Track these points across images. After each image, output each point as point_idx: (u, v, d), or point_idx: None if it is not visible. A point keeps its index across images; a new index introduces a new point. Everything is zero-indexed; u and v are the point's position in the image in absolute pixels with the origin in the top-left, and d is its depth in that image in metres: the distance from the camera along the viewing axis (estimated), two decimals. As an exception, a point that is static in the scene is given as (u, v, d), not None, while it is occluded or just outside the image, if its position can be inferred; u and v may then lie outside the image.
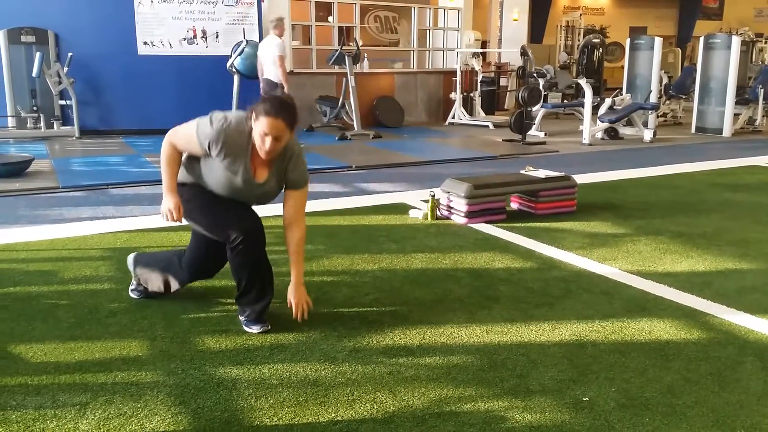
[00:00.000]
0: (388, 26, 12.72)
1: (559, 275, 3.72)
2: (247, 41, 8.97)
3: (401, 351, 2.75)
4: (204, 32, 9.73)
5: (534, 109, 10.16)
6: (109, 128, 9.42)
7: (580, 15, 18.39)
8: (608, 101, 10.09)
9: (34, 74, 8.67)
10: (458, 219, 4.87)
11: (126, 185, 6.16)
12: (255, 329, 2.88)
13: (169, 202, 2.80)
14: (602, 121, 9.90)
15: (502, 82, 14.31)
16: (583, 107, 10.00)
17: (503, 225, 4.77)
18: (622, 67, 12.05)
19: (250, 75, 8.87)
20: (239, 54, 8.81)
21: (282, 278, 3.38)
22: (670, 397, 2.40)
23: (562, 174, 5.26)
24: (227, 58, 9.04)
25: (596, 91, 11.22)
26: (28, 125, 9.07)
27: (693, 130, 11.04)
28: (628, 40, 11.60)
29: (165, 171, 2.82)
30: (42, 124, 9.03)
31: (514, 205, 5.29)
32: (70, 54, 8.96)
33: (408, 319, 3.08)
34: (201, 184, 2.89)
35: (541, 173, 5.22)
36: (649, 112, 10.51)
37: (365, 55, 11.38)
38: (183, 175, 2.91)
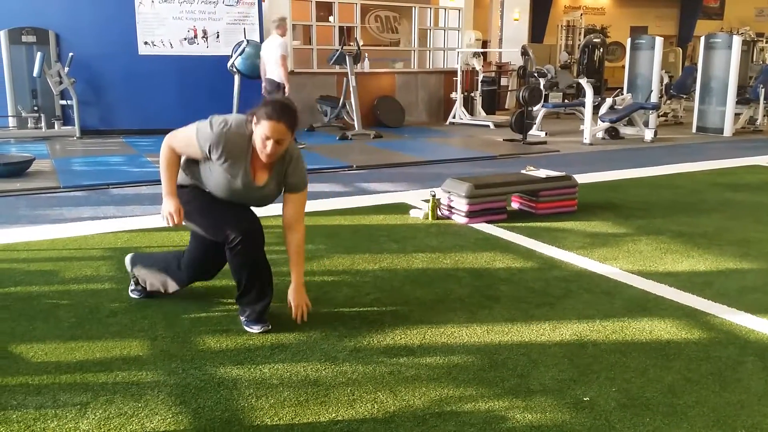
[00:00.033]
0: (388, 26, 12.72)
1: (560, 275, 3.72)
2: (247, 41, 8.97)
3: (402, 351, 2.75)
4: (205, 32, 9.74)
5: (535, 108, 10.15)
6: (109, 128, 9.42)
7: (581, 15, 18.38)
8: (609, 101, 10.09)
9: (35, 74, 8.68)
10: (459, 219, 4.87)
11: (127, 185, 6.16)
12: (256, 329, 2.89)
13: (169, 205, 2.80)
14: (603, 121, 9.89)
15: (503, 81, 14.31)
16: (583, 107, 9.99)
17: (504, 225, 4.77)
18: (623, 66, 12.05)
19: (251, 75, 8.88)
20: (240, 54, 8.81)
21: (282, 278, 3.38)
22: (670, 397, 2.40)
23: (563, 174, 5.26)
24: (228, 58, 9.05)
25: (597, 91, 11.21)
26: (28, 125, 9.08)
27: (694, 130, 11.04)
28: (628, 40, 11.60)
29: (164, 175, 2.83)
30: (43, 124, 9.03)
31: (514, 205, 5.29)
32: (70, 54, 8.97)
33: (409, 318, 3.08)
34: (200, 186, 2.90)
35: (542, 173, 5.22)
36: (650, 111, 10.51)
37: (366, 54, 11.38)
38: (182, 178, 2.92)
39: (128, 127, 9.48)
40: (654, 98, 10.74)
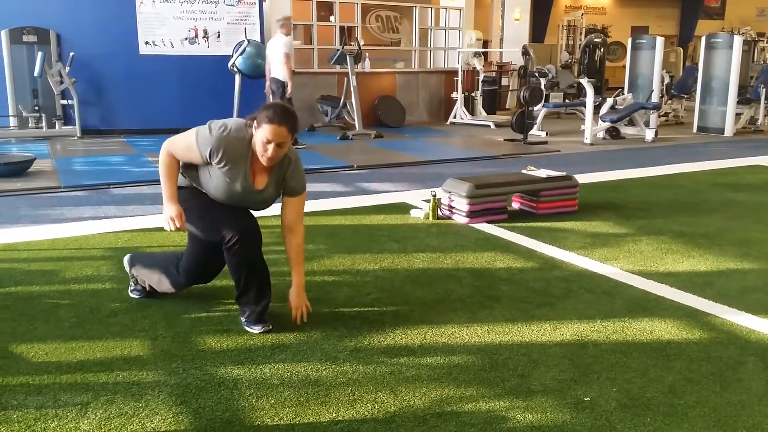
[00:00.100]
0: (389, 26, 12.71)
1: (561, 275, 3.72)
2: (248, 41, 8.97)
3: (402, 351, 2.75)
4: (205, 32, 9.74)
5: (535, 108, 10.15)
6: (110, 128, 9.42)
7: (582, 14, 18.38)
8: (610, 101, 10.08)
9: (35, 74, 8.68)
10: (459, 219, 4.86)
11: (127, 185, 6.16)
12: (256, 329, 2.89)
13: (170, 210, 2.81)
14: (604, 121, 9.89)
15: (504, 81, 14.30)
16: (584, 107, 9.99)
17: (504, 225, 4.77)
18: (624, 66, 12.04)
19: (252, 74, 8.88)
20: (241, 54, 8.82)
21: (282, 278, 3.39)
22: (671, 397, 2.40)
23: (564, 174, 5.26)
24: (229, 57, 9.05)
25: (598, 91, 11.20)
26: (29, 125, 9.09)
27: (695, 130, 11.03)
28: (629, 40, 11.59)
29: (164, 180, 2.83)
30: (44, 123, 9.04)
31: (515, 205, 5.29)
32: (71, 54, 8.97)
33: (409, 318, 3.08)
34: (198, 188, 2.91)
35: (543, 173, 5.22)
36: (651, 111, 10.50)
37: (367, 54, 11.38)
38: (180, 180, 2.93)
39: (129, 127, 9.48)
40: (655, 98, 10.73)
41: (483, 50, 13.06)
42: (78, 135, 8.95)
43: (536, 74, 11.66)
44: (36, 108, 9.16)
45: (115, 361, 2.62)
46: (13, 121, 9.10)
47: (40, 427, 2.16)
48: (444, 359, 2.68)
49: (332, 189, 6.08)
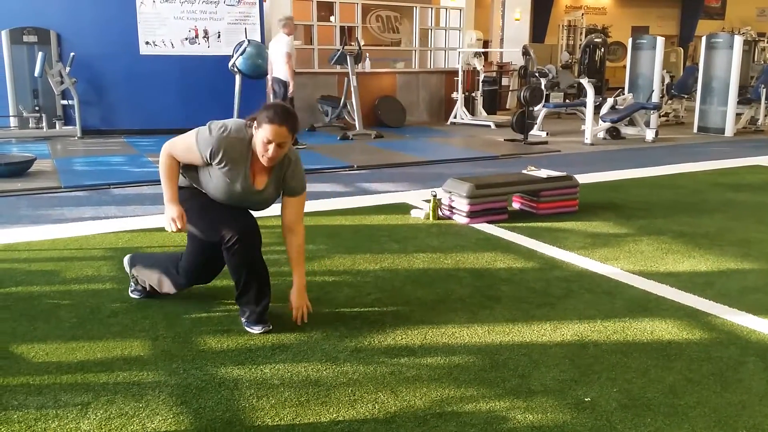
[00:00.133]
0: (389, 26, 12.71)
1: (561, 275, 3.72)
2: (248, 41, 8.97)
3: (403, 351, 2.75)
4: (206, 32, 9.74)
5: (536, 108, 10.15)
6: (111, 128, 9.42)
7: (582, 14, 18.38)
8: (610, 101, 10.08)
9: (36, 74, 8.68)
10: (460, 219, 4.86)
11: (128, 185, 6.16)
12: (256, 330, 2.89)
13: (172, 211, 2.81)
14: (604, 121, 9.89)
15: (504, 81, 14.31)
16: (584, 107, 9.99)
17: (505, 225, 4.77)
18: (624, 66, 12.04)
19: (252, 75, 8.88)
20: (241, 54, 8.81)
21: (282, 278, 3.39)
22: (672, 398, 2.40)
23: (564, 174, 5.26)
24: (229, 57, 9.04)
25: (598, 91, 11.21)
26: (30, 125, 9.09)
27: (695, 130, 11.03)
28: (630, 40, 11.59)
29: (165, 182, 2.83)
30: (44, 123, 9.04)
31: (515, 205, 5.28)
32: (72, 54, 8.97)
33: (410, 319, 3.08)
34: (198, 188, 2.91)
35: (543, 173, 5.22)
36: (651, 111, 10.50)
37: (367, 54, 11.38)
38: (180, 180, 2.92)
39: (129, 127, 9.48)
40: (655, 98, 10.73)
41: (483, 50, 13.06)
42: (78, 135, 8.95)
43: (536, 74, 11.66)
44: (36, 108, 9.16)
45: (115, 362, 2.62)
46: (13, 122, 9.10)
47: (40, 427, 2.16)
48: (444, 359, 2.68)
49: (332, 189, 6.08)
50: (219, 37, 9.77)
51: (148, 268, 3.19)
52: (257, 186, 2.84)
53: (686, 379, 2.53)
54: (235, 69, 8.91)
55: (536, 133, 10.11)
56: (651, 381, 2.52)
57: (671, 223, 4.88)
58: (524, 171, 5.40)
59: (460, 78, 11.79)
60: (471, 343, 2.83)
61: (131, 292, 3.30)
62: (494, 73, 13.81)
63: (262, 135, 2.69)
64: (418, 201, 5.43)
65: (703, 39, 10.97)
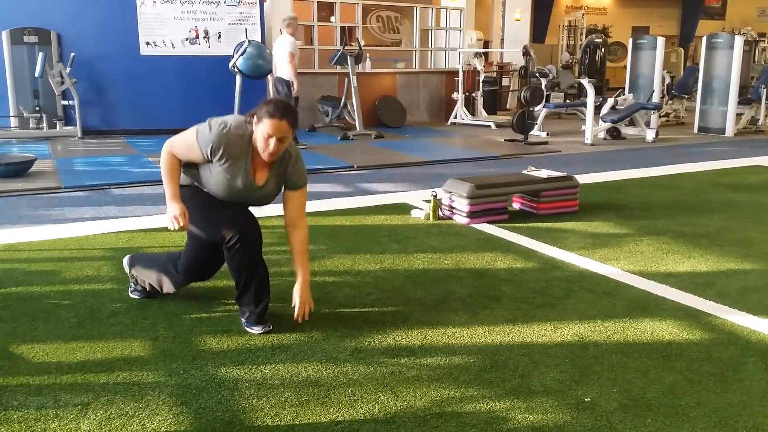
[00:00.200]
0: (390, 26, 12.72)
1: (561, 275, 3.72)
2: (249, 41, 8.97)
3: (403, 351, 2.75)
4: (206, 32, 9.74)
5: (536, 109, 10.15)
6: (111, 128, 9.42)
7: (583, 15, 18.38)
8: (610, 101, 10.08)
9: (36, 74, 8.68)
10: (460, 219, 4.86)
11: (128, 185, 6.16)
12: (256, 330, 2.89)
13: (174, 209, 2.81)
14: (604, 121, 9.88)
15: (504, 82, 14.31)
16: (585, 107, 9.99)
17: (505, 225, 4.77)
18: (625, 66, 12.04)
19: (253, 75, 8.88)
20: (241, 54, 8.82)
21: (282, 278, 3.39)
22: (672, 398, 2.40)
23: (564, 174, 5.26)
24: (230, 58, 9.05)
25: (598, 91, 11.21)
26: (30, 125, 9.09)
27: (695, 130, 11.03)
28: (630, 40, 11.59)
29: (167, 180, 2.83)
30: (44, 124, 9.04)
31: (516, 206, 5.28)
32: (72, 54, 8.97)
33: (410, 319, 3.08)
34: (199, 186, 2.91)
35: (543, 173, 5.22)
36: (652, 112, 10.50)
37: (367, 55, 11.37)
38: (181, 179, 2.92)
39: (130, 128, 9.48)
40: (655, 98, 10.73)
41: (484, 50, 13.06)
42: (79, 135, 8.95)
43: (537, 74, 11.66)
44: (37, 108, 9.16)
45: (115, 362, 2.62)
46: (14, 122, 9.10)
47: (40, 427, 2.16)
48: (444, 359, 2.68)
49: (333, 189, 6.08)
50: (219, 37, 9.77)
51: (148, 268, 3.19)
52: (258, 182, 2.84)
53: (686, 380, 2.53)
54: (236, 69, 8.91)
55: (536, 133, 10.11)
56: (651, 381, 2.52)
57: (671, 224, 4.88)
58: (524, 171, 5.40)
59: (460, 78, 11.78)
60: (471, 344, 2.83)
61: (131, 292, 3.30)
62: (494, 73, 13.82)
63: (263, 130, 2.69)
64: (419, 201, 5.43)
65: (704, 39, 10.97)
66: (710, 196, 5.94)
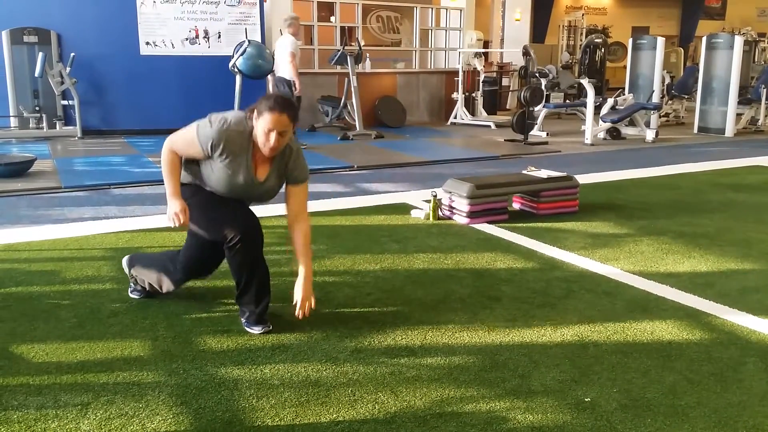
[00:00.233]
0: (390, 26, 12.72)
1: (561, 275, 3.72)
2: (249, 41, 8.97)
3: (403, 351, 2.75)
4: (206, 32, 9.74)
5: (536, 109, 10.15)
6: (111, 128, 9.42)
7: (583, 15, 18.38)
8: (610, 101, 10.08)
9: (36, 74, 8.68)
10: (460, 219, 4.86)
11: (128, 185, 6.16)
12: (256, 330, 2.88)
13: (174, 206, 2.80)
14: (604, 121, 9.88)
15: (504, 82, 14.31)
16: (585, 107, 9.99)
17: (505, 225, 4.77)
18: (625, 66, 12.04)
19: (253, 75, 8.88)
20: (241, 54, 8.81)
21: (283, 278, 3.39)
22: (672, 398, 2.40)
23: (564, 174, 5.26)
24: (229, 58, 9.03)
25: (598, 91, 11.21)
26: (30, 125, 9.08)
27: (695, 130, 11.03)
28: (630, 40, 11.59)
29: (167, 176, 2.83)
30: (44, 124, 9.04)
31: (516, 206, 5.28)
32: (72, 54, 8.97)
33: (410, 319, 3.08)
34: (200, 184, 2.90)
35: (543, 173, 5.22)
36: (652, 112, 10.50)
37: (367, 55, 11.38)
38: (182, 176, 2.92)
39: (130, 128, 9.48)
40: (655, 98, 10.73)
41: (483, 50, 13.06)
42: (79, 135, 8.95)
43: (537, 74, 11.66)
44: (37, 108, 9.15)
45: (115, 362, 2.62)
46: (13, 122, 9.10)
47: (40, 427, 2.16)
48: (444, 359, 2.68)
49: (333, 189, 6.08)
50: (219, 37, 9.78)
51: (147, 267, 3.19)
52: (259, 177, 2.83)
53: (686, 380, 2.53)
54: (236, 69, 8.90)
55: (536, 133, 10.11)
56: (651, 381, 2.52)
57: (671, 224, 4.88)
58: (524, 171, 5.40)
59: (460, 78, 11.78)
60: (471, 344, 2.83)
61: (131, 292, 3.30)
62: (494, 73, 13.82)
63: (263, 124, 2.68)
64: (419, 201, 5.43)
65: (704, 39, 10.97)
66: (710, 196, 5.94)
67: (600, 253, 4.14)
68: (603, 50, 14.04)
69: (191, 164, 2.88)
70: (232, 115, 2.80)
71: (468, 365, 2.63)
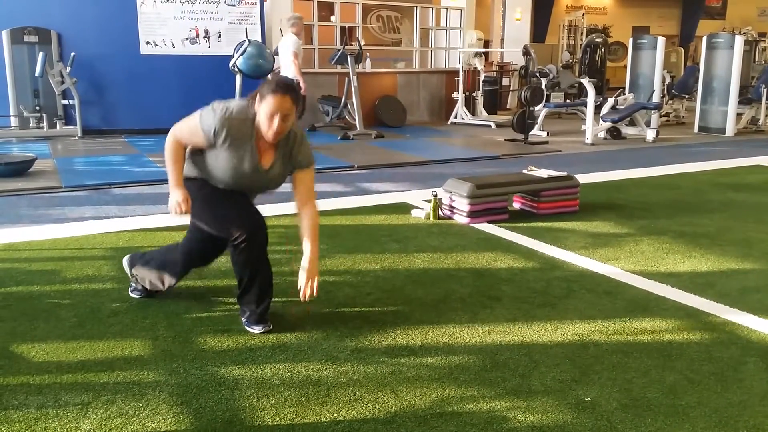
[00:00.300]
0: (390, 26, 12.72)
1: (562, 275, 3.72)
2: (249, 41, 8.97)
3: (403, 351, 2.75)
4: (206, 32, 9.74)
5: (536, 108, 10.15)
6: (111, 128, 9.42)
7: (583, 14, 18.37)
8: (611, 101, 10.08)
9: (36, 74, 8.68)
10: (460, 219, 4.86)
11: (128, 185, 6.16)
12: (257, 330, 2.88)
13: (176, 195, 2.80)
14: (605, 121, 9.88)
15: (505, 81, 14.30)
16: (585, 107, 9.99)
17: (505, 225, 4.76)
18: (625, 66, 12.04)
19: (253, 75, 8.88)
20: (241, 54, 8.81)
21: (283, 278, 3.39)
22: (672, 398, 2.39)
23: (565, 174, 5.26)
24: (230, 57, 9.04)
25: (599, 91, 11.21)
26: (30, 125, 9.09)
27: (696, 130, 11.02)
28: (630, 40, 11.58)
29: (170, 166, 2.83)
30: (45, 123, 9.04)
31: (516, 205, 5.28)
32: (72, 54, 8.97)
33: (410, 318, 3.08)
34: (206, 179, 2.89)
35: (544, 173, 5.22)
36: (652, 111, 10.50)
37: (367, 54, 11.37)
38: (187, 169, 2.90)
39: (130, 127, 9.48)
40: (656, 98, 10.73)
41: (484, 50, 13.05)
42: (79, 135, 8.95)
43: (537, 74, 11.65)
44: (37, 108, 9.16)
45: (115, 361, 2.62)
46: (14, 121, 9.10)
47: (40, 426, 2.16)
48: (445, 359, 2.68)
49: (333, 189, 6.08)
50: (219, 37, 9.78)
51: (147, 265, 3.19)
52: (264, 165, 2.81)
53: (687, 379, 2.53)
54: (236, 69, 8.90)
55: (537, 133, 10.11)
56: (651, 381, 2.51)
57: (672, 223, 4.88)
58: (525, 171, 5.39)
59: (460, 78, 11.78)
60: (471, 343, 2.83)
61: (131, 291, 3.30)
62: (495, 73, 13.81)
63: (266, 108, 2.68)
64: (419, 201, 5.43)
65: (704, 39, 10.97)
66: (710, 196, 5.94)
67: (600, 252, 4.14)
68: (603, 50, 14.04)
69: (197, 155, 2.86)
70: (235, 103, 2.79)
71: (468, 365, 2.63)
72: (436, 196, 4.95)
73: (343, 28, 11.30)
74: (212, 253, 3.11)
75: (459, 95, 11.73)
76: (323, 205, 5.30)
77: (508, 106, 14.28)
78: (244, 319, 2.94)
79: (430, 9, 12.84)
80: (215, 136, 2.72)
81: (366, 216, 5.02)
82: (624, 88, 11.36)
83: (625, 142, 9.75)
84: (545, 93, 10.79)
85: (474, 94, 12.19)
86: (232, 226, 2.81)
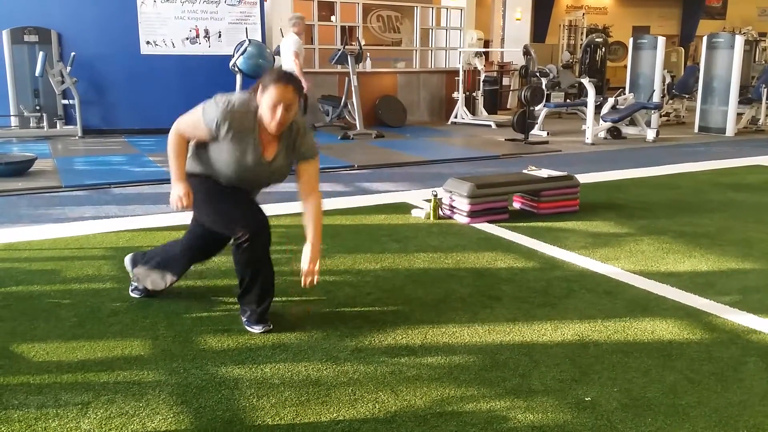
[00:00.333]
0: (390, 26, 12.71)
1: (562, 275, 3.72)
2: (249, 41, 8.97)
3: (403, 350, 2.75)
4: (207, 32, 9.74)
5: (536, 108, 10.14)
6: (111, 128, 9.43)
7: (583, 14, 18.38)
8: (611, 101, 10.07)
9: (37, 74, 8.69)
10: (460, 218, 4.86)
11: (129, 185, 6.16)
12: (257, 329, 2.88)
13: (178, 189, 2.80)
14: (605, 121, 9.88)
15: (505, 81, 14.30)
16: (585, 107, 9.99)
17: (506, 225, 4.76)
18: (625, 66, 12.04)
19: (253, 74, 8.88)
20: (242, 53, 8.82)
21: (283, 277, 3.39)
22: (672, 398, 2.39)
23: (565, 173, 5.25)
24: (230, 57, 9.05)
25: (599, 91, 11.20)
26: (31, 125, 9.09)
27: (696, 130, 11.02)
28: (631, 40, 11.58)
29: (173, 160, 2.82)
30: (45, 123, 9.04)
31: (516, 205, 5.28)
32: (72, 53, 8.97)
33: (410, 318, 3.08)
34: (209, 175, 2.87)
35: (544, 173, 5.22)
36: (652, 111, 10.49)
37: (368, 54, 11.37)
38: (190, 165, 2.90)
39: (130, 127, 9.48)
40: (656, 98, 10.73)
41: (484, 50, 13.05)
42: (79, 135, 8.95)
43: (537, 74, 11.65)
44: (37, 108, 9.16)
45: (115, 361, 2.62)
46: (14, 121, 9.10)
47: (40, 426, 2.16)
48: (445, 359, 2.68)
49: (333, 189, 6.08)
50: (220, 36, 9.78)
51: (149, 264, 3.18)
52: (267, 157, 2.81)
53: (687, 379, 2.53)
54: (236, 69, 8.91)
55: (537, 132, 10.10)
56: (652, 381, 2.51)
57: (672, 223, 4.88)
58: (525, 171, 5.39)
59: (460, 78, 11.78)
60: (471, 343, 2.83)
61: (131, 291, 3.30)
62: (495, 72, 13.81)
63: (268, 99, 2.67)
64: (419, 201, 5.43)
65: (704, 39, 10.97)
66: (711, 196, 5.94)
67: (600, 252, 4.14)
68: (603, 50, 14.03)
69: (200, 150, 2.86)
70: (237, 96, 2.79)
71: (468, 364, 2.63)
72: (436, 195, 4.95)
73: (343, 28, 11.31)
74: (214, 247, 3.12)
75: (459, 95, 11.73)
76: (324, 204, 5.30)
77: (508, 106, 14.28)
78: (244, 319, 2.94)
79: (431, 9, 12.84)
80: (218, 128, 2.72)
81: (366, 216, 5.02)
82: (624, 88, 11.36)
83: (626, 142, 9.75)
84: (545, 93, 10.78)
85: (474, 94, 12.19)
86: (236, 225, 2.81)
